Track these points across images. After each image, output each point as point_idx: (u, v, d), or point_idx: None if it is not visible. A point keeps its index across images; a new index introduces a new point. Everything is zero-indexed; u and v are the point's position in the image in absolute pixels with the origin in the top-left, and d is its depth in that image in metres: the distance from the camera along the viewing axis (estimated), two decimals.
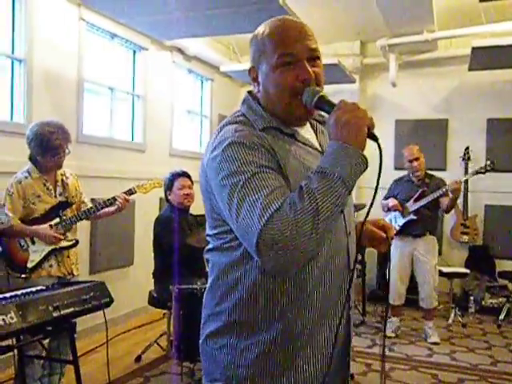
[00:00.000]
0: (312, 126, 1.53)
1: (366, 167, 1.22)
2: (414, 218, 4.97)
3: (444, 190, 4.83)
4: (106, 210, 3.59)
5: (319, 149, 1.46)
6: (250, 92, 1.48)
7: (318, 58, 1.39)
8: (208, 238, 1.46)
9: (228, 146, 1.27)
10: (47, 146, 3.25)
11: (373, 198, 1.26)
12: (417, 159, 5.04)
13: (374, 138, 1.25)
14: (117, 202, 3.54)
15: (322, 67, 1.40)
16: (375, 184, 1.26)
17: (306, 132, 1.48)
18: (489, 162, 5.06)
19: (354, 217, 1.59)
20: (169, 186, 4.21)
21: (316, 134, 1.52)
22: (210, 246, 1.45)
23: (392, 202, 5.07)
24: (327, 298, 1.37)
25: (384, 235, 1.52)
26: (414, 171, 5.07)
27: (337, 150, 1.21)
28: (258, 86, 1.43)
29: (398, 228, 5.03)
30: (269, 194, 1.19)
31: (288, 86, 1.34)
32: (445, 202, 4.91)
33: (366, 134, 1.23)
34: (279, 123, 1.39)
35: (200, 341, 1.52)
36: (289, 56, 1.34)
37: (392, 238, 1.53)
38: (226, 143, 1.28)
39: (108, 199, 3.55)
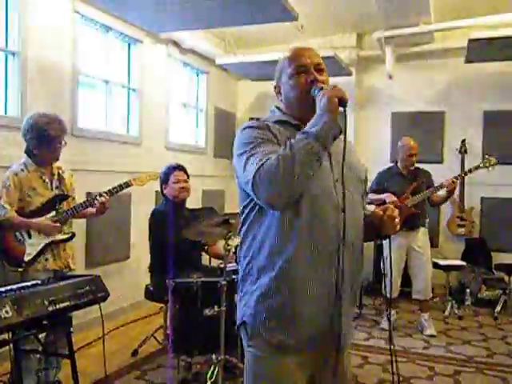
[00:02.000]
0: None
1: (339, 129, 1.75)
2: (418, 212, 4.92)
3: (440, 185, 4.85)
4: (90, 209, 3.56)
5: None
6: (276, 107, 1.92)
7: (323, 70, 1.83)
8: (241, 216, 1.84)
9: (242, 131, 1.78)
10: (43, 138, 3.24)
11: (342, 162, 1.68)
12: (416, 154, 5.05)
13: (343, 106, 1.64)
14: (96, 200, 3.48)
15: (327, 77, 1.83)
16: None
17: None
18: (490, 157, 4.96)
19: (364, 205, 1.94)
20: (164, 180, 4.19)
21: None
22: (242, 219, 1.83)
23: (389, 197, 4.93)
24: (318, 258, 1.67)
25: (381, 213, 1.77)
26: (410, 165, 5.07)
27: (315, 116, 1.64)
28: (281, 95, 1.89)
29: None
30: (266, 154, 1.62)
31: (301, 87, 1.78)
32: (434, 196, 4.96)
33: (337, 103, 1.62)
34: (288, 117, 1.83)
35: None
36: (301, 67, 1.80)
37: (388, 216, 1.76)
38: (241, 128, 1.79)
39: (87, 199, 3.52)
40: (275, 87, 1.92)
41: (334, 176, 1.72)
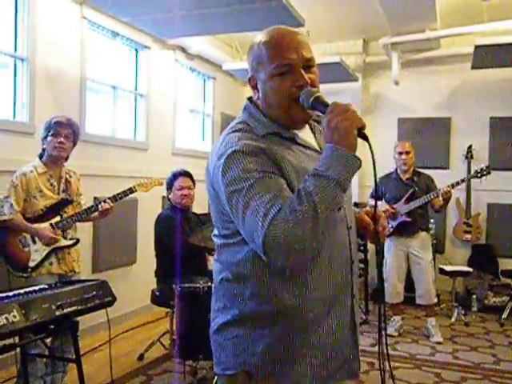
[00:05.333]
0: (311, 127, 1.61)
1: (359, 166, 1.29)
2: (408, 220, 4.97)
3: (435, 193, 4.87)
4: (94, 214, 3.60)
5: (318, 149, 1.54)
6: (250, 99, 1.56)
7: (313, 66, 1.47)
8: (215, 239, 1.55)
9: (231, 155, 1.36)
10: (49, 124, 3.37)
11: (375, 192, 1.39)
12: (407, 153, 5.07)
13: (365, 138, 1.31)
14: (100, 206, 3.53)
15: (317, 74, 1.48)
16: (374, 183, 1.38)
17: (305, 134, 1.55)
18: (484, 167, 5.00)
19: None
20: (169, 185, 4.23)
21: (314, 135, 1.60)
22: (219, 244, 1.53)
23: (383, 206, 5.01)
24: (331, 291, 1.45)
25: (371, 224, 1.57)
26: (402, 164, 5.09)
27: (330, 153, 1.29)
28: (258, 93, 1.51)
29: (391, 229, 5.05)
30: (271, 199, 1.28)
31: (286, 92, 1.42)
32: (436, 202, 4.95)
33: (357, 135, 1.29)
34: (279, 128, 1.47)
35: (211, 331, 1.58)
36: (285, 66, 1.42)
37: (378, 227, 1.55)
38: (229, 152, 1.36)
39: (93, 205, 3.56)
40: (250, 79, 1.53)
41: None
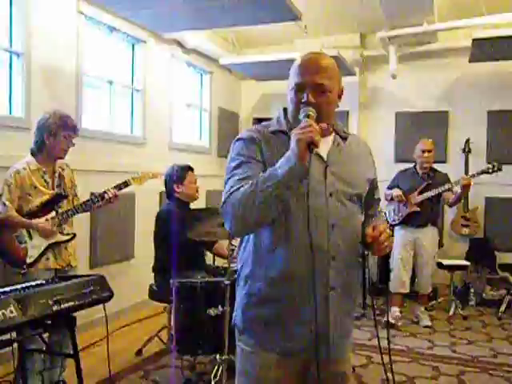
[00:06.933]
0: (334, 138, 1.87)
1: (302, 171, 1.56)
2: (418, 209, 5.07)
3: (450, 185, 4.99)
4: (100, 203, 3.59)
5: (321, 155, 1.78)
6: (284, 108, 1.89)
7: (324, 91, 1.73)
8: None
9: (235, 141, 1.84)
10: (66, 123, 3.35)
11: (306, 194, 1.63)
12: (430, 151, 5.20)
13: (310, 151, 1.54)
14: (106, 195, 3.53)
15: (330, 98, 1.76)
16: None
17: (323, 142, 1.73)
18: (496, 164, 5.11)
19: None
20: (180, 179, 4.15)
21: (333, 145, 1.85)
22: None
23: (396, 191, 5.17)
24: (306, 276, 1.68)
25: (371, 238, 1.70)
26: (424, 162, 5.20)
27: (284, 157, 1.59)
28: None
29: (400, 218, 5.17)
30: (241, 178, 1.69)
31: (295, 105, 1.77)
32: (449, 196, 5.07)
33: (305, 147, 1.53)
34: (289, 128, 1.76)
35: None
36: (298, 85, 1.76)
37: (370, 239, 1.70)
38: (235, 139, 1.84)
39: (99, 193, 3.54)
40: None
41: (327, 189, 1.73)
